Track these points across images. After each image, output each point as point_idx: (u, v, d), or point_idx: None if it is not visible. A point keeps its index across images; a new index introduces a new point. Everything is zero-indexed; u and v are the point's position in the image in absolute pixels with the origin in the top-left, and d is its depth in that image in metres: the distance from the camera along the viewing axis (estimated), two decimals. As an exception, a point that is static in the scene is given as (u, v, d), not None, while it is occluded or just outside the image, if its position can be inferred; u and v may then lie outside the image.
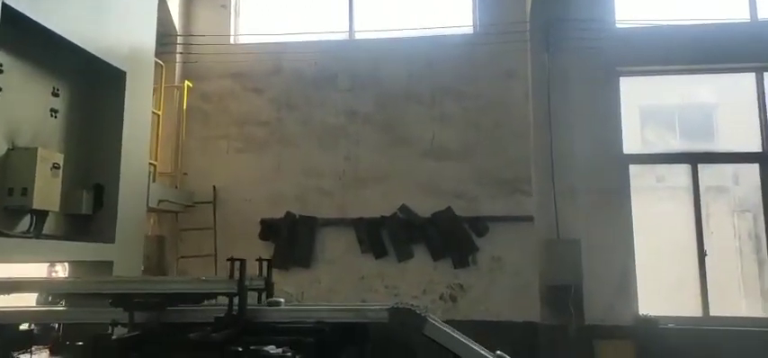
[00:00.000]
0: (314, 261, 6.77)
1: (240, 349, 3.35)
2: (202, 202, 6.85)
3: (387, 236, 6.74)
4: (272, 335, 3.79)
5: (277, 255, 6.79)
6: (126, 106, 5.12)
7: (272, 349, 3.35)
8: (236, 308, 3.55)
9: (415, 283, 6.66)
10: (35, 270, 4.80)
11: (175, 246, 6.73)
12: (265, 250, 6.71)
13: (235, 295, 3.52)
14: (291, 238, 6.78)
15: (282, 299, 4.06)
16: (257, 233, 6.84)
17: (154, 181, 5.97)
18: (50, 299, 3.90)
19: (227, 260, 3.57)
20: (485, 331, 6.11)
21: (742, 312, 6.46)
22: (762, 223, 6.44)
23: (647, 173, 6.96)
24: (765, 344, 6.01)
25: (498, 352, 3.73)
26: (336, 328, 3.88)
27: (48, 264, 5.17)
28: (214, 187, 6.95)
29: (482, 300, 6.56)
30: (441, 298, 6.62)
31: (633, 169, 6.69)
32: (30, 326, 3.81)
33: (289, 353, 3.35)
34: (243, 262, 3.45)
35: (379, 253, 6.72)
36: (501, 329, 6.38)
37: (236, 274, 3.63)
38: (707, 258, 6.44)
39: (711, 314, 6.32)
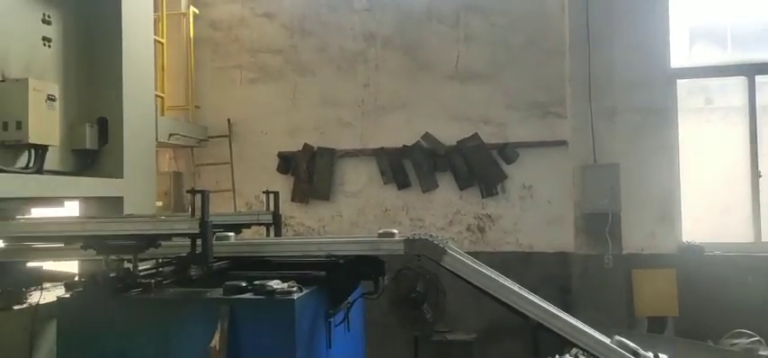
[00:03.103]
0: (334, 194, 6.52)
1: (244, 284, 3.15)
2: (217, 136, 6.62)
3: (410, 166, 6.40)
4: (278, 269, 3.60)
5: (296, 189, 6.58)
6: (124, 34, 4.81)
7: (276, 284, 3.13)
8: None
9: (440, 215, 6.36)
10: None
11: (193, 181, 6.56)
12: (284, 183, 6.51)
13: (196, 236, 3.04)
14: (310, 171, 6.52)
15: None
16: (275, 166, 6.59)
17: (162, 114, 5.73)
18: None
19: (188, 191, 3.17)
20: (515, 263, 5.92)
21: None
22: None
23: (695, 95, 6.34)
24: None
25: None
26: (349, 262, 3.65)
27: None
28: (229, 120, 6.68)
29: (512, 231, 6.21)
30: (468, 229, 6.31)
31: (681, 90, 6.08)
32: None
33: (294, 287, 3.12)
34: (204, 193, 3.01)
35: (402, 184, 6.40)
36: (532, 261, 6.07)
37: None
38: (761, 180, 5.88)
39: (764, 240, 5.82)
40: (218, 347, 2.84)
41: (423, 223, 6.33)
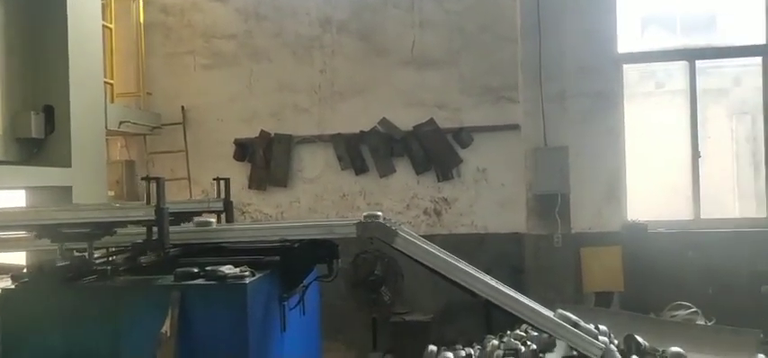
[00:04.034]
0: (292, 180, 6.53)
1: (195, 270, 3.15)
2: (171, 124, 6.51)
3: (367, 151, 6.46)
4: (232, 255, 3.62)
5: (253, 176, 6.56)
6: (69, 19, 4.67)
7: (228, 269, 3.15)
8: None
9: (398, 199, 6.45)
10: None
11: (146, 170, 6.44)
12: (241, 170, 6.49)
13: (152, 223, 3.10)
14: (267, 158, 6.50)
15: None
16: (232, 154, 6.54)
17: (111, 101, 5.61)
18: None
19: (142, 179, 3.25)
20: (470, 244, 6.08)
21: (736, 214, 6.30)
22: (760, 125, 6.15)
23: (647, 79, 6.63)
24: (755, 243, 5.90)
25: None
26: (303, 246, 3.68)
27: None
28: (183, 107, 6.58)
29: (467, 214, 6.36)
30: (425, 212, 6.42)
31: (632, 76, 6.35)
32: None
33: (246, 272, 3.15)
34: (159, 181, 3.06)
35: (360, 169, 6.46)
36: (487, 242, 6.23)
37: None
38: (700, 161, 6.20)
39: (702, 217, 6.15)
40: (169, 333, 2.85)
41: (380, 208, 6.38)
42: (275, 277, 3.45)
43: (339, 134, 6.45)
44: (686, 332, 4.01)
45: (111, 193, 5.82)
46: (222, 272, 3.08)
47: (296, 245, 3.68)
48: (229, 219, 4.08)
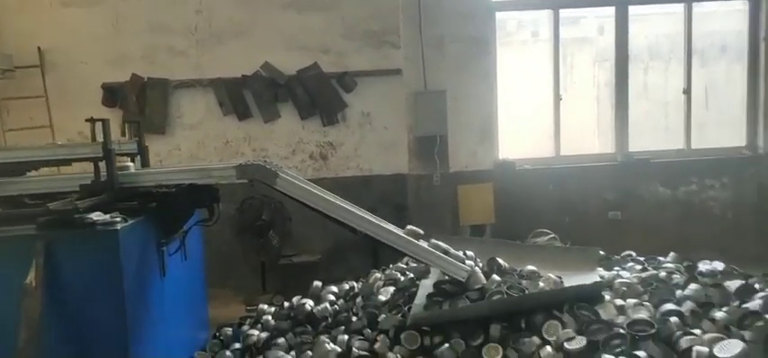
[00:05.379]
0: (170, 127, 6.23)
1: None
2: (26, 66, 5.87)
3: (250, 96, 6.31)
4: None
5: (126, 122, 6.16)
6: None
7: (97, 215, 3.03)
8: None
9: (283, 144, 6.42)
10: None
11: (-1, 118, 5.83)
12: (112, 117, 5.99)
13: (100, 159, 3.32)
14: (141, 104, 6.13)
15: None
16: (100, 99, 6.08)
17: (-51, 40, 4.94)
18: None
19: (87, 120, 3.47)
20: (356, 186, 6.27)
21: (597, 151, 7.04)
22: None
23: (524, 28, 7.07)
24: (605, 175, 6.73)
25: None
26: (181, 191, 3.62)
27: None
28: (39, 48, 5.95)
29: (353, 157, 6.50)
30: (311, 157, 6.47)
31: (511, 25, 6.76)
32: None
33: (118, 218, 3.06)
34: (105, 121, 3.26)
35: (243, 114, 6.32)
36: (372, 184, 6.43)
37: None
38: (563, 103, 6.83)
39: (562, 154, 6.84)
40: (34, 283, 2.72)
41: (266, 153, 6.35)
42: (151, 223, 3.38)
43: (219, 79, 6.23)
44: (541, 253, 4.51)
45: (-42, 145, 5.20)
46: (90, 219, 2.97)
47: (173, 190, 3.61)
48: (145, 164, 4.00)
